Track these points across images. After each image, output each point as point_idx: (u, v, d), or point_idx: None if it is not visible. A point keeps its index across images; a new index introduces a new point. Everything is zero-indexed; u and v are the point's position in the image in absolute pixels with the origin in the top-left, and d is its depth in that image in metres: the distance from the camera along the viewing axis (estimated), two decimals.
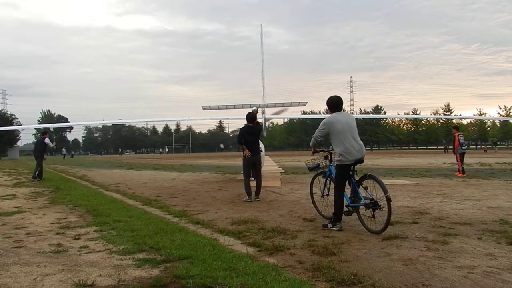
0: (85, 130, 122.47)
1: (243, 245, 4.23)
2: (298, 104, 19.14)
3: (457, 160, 13.73)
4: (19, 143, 68.61)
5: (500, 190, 8.88)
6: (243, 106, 15.39)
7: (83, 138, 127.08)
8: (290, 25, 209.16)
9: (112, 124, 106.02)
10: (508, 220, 5.26)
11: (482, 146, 64.13)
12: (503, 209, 6.23)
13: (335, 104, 5.31)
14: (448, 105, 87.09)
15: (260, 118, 11.92)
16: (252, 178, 8.20)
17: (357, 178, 5.10)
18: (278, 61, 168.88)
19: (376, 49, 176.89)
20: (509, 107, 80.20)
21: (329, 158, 5.72)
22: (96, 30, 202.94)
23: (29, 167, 22.10)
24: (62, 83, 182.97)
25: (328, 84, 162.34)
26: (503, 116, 76.16)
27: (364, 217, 4.93)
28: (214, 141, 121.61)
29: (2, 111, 68.85)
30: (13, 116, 63.39)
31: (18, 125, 57.31)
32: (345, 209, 5.05)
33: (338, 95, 5.40)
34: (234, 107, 16.07)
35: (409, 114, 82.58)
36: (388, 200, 4.49)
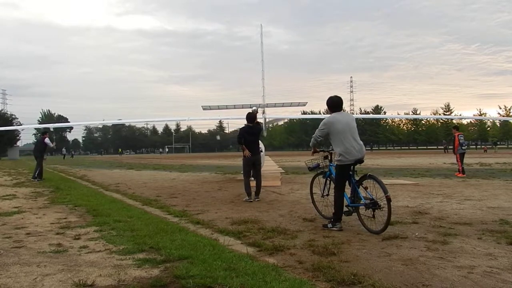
0: (85, 130, 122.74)
1: (243, 245, 4.23)
2: (298, 104, 19.18)
3: (457, 160, 13.72)
4: (19, 143, 68.65)
5: (500, 190, 8.88)
6: (243, 106, 15.41)
7: (83, 138, 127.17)
8: (290, 25, 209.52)
9: (112, 124, 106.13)
10: (508, 220, 5.26)
11: (482, 146, 64.12)
12: (503, 209, 6.23)
13: (335, 104, 5.31)
14: (448, 105, 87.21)
15: (260, 118, 11.91)
16: (252, 178, 8.20)
17: (357, 178, 5.10)
18: (278, 61, 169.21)
19: (376, 49, 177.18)
20: (509, 107, 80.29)
21: (329, 158, 5.72)
22: (96, 30, 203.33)
23: (29, 167, 22.10)
24: (62, 83, 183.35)
25: (328, 84, 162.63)
26: (503, 116, 76.17)
27: (364, 217, 4.93)
28: (214, 141, 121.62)
29: (2, 111, 68.85)
30: (13, 116, 63.44)
31: (18, 125, 57.36)
32: (345, 209, 5.05)
33: (338, 95, 5.40)
34: (234, 107, 16.08)
35: (409, 114, 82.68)
36: (388, 200, 4.49)
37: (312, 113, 79.41)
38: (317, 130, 5.30)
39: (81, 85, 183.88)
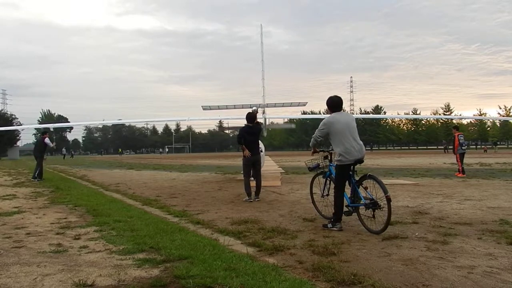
0: (85, 130, 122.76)
1: (243, 245, 4.23)
2: (298, 104, 19.16)
3: (457, 160, 13.73)
4: (19, 143, 68.64)
5: (500, 190, 8.88)
6: (243, 106, 15.38)
7: (83, 138, 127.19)
8: (290, 25, 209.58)
9: (112, 124, 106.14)
10: (508, 220, 5.26)
11: (482, 146, 64.12)
12: (503, 209, 6.23)
13: (335, 104, 5.31)
14: (448, 105, 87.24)
15: (260, 118, 11.91)
16: (252, 178, 8.20)
17: (357, 178, 5.10)
18: (278, 61, 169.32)
19: (376, 49, 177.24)
20: (509, 107, 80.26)
21: (329, 158, 5.72)
22: (96, 30, 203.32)
23: (29, 167, 22.10)
24: (62, 83, 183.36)
25: (328, 84, 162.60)
26: (503, 116, 76.17)
27: (364, 217, 4.93)
28: (214, 141, 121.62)
29: (2, 111, 68.83)
30: (13, 116, 63.44)
31: (18, 125, 57.35)
32: (345, 209, 5.05)
33: (338, 95, 5.40)
34: (234, 107, 16.06)
35: (409, 114, 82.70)
36: (388, 200, 4.49)
37: (312, 113, 79.41)
38: (317, 130, 5.29)
39: (81, 85, 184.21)
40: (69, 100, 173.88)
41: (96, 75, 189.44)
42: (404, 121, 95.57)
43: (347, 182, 5.11)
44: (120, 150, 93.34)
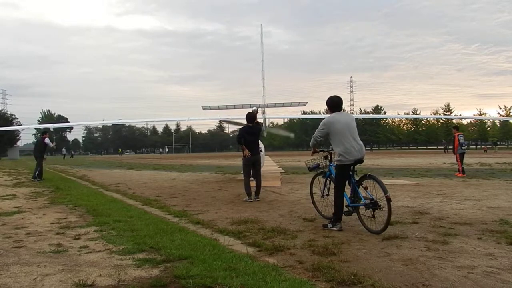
0: (85, 130, 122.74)
1: (243, 245, 4.23)
2: (298, 104, 19.17)
3: (457, 160, 13.73)
4: (19, 143, 68.66)
5: (500, 190, 8.88)
6: (243, 106, 15.39)
7: (83, 138, 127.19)
8: (290, 25, 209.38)
9: (112, 124, 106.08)
10: (508, 220, 5.26)
11: (482, 146, 64.12)
12: (503, 209, 6.23)
13: (335, 104, 5.31)
14: (448, 105, 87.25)
15: (260, 118, 11.91)
16: (252, 178, 8.20)
17: (357, 178, 5.10)
18: (278, 61, 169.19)
19: (376, 49, 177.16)
20: (509, 107, 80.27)
21: (329, 158, 5.72)
22: (96, 30, 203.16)
23: (29, 167, 22.10)
24: (62, 83, 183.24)
25: (328, 84, 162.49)
26: (503, 116, 76.18)
27: (364, 217, 4.93)
28: (214, 141, 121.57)
29: (2, 111, 68.88)
30: (13, 116, 63.49)
31: (18, 125, 57.40)
32: (345, 209, 5.05)
33: (338, 95, 5.40)
34: (234, 107, 16.07)
35: (409, 114, 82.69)
36: (388, 200, 4.49)
37: (312, 113, 79.44)
38: (316, 130, 5.29)
39: (81, 85, 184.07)
40: (69, 100, 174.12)
41: (96, 75, 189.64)
42: (404, 121, 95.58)
43: (347, 182, 5.11)
44: (120, 150, 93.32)
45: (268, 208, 6.83)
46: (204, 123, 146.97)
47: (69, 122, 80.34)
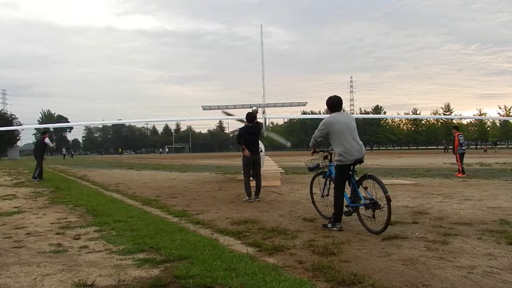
0: (85, 130, 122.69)
1: (243, 245, 4.23)
2: (298, 104, 19.16)
3: (457, 160, 13.73)
4: (19, 143, 68.67)
5: (500, 190, 8.88)
6: (243, 106, 15.38)
7: (83, 138, 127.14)
8: (290, 25, 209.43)
9: (112, 124, 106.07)
10: (508, 220, 5.26)
11: (482, 146, 64.12)
12: (503, 209, 6.23)
13: (334, 104, 5.31)
14: (448, 105, 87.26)
15: (260, 118, 11.92)
16: (252, 178, 8.20)
17: (357, 178, 5.10)
18: (278, 61, 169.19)
19: (376, 49, 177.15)
20: (509, 107, 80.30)
21: (329, 158, 5.72)
22: (96, 30, 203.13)
23: (29, 167, 22.10)
24: (62, 83, 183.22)
25: (328, 84, 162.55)
26: (503, 116, 76.19)
27: (364, 217, 4.93)
28: (214, 141, 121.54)
29: (2, 111, 68.83)
30: (13, 116, 63.47)
31: (18, 125, 57.37)
32: (345, 209, 5.05)
33: (338, 95, 5.40)
34: (234, 107, 16.06)
35: (409, 114, 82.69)
36: (388, 200, 4.49)
37: (312, 113, 79.35)
38: (316, 130, 5.29)
39: (81, 85, 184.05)
40: (69, 100, 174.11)
41: (96, 75, 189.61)
42: (404, 121, 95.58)
43: (347, 182, 5.11)
44: (120, 150, 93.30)
45: (268, 208, 6.83)
46: (204, 123, 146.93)
47: (69, 122, 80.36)
